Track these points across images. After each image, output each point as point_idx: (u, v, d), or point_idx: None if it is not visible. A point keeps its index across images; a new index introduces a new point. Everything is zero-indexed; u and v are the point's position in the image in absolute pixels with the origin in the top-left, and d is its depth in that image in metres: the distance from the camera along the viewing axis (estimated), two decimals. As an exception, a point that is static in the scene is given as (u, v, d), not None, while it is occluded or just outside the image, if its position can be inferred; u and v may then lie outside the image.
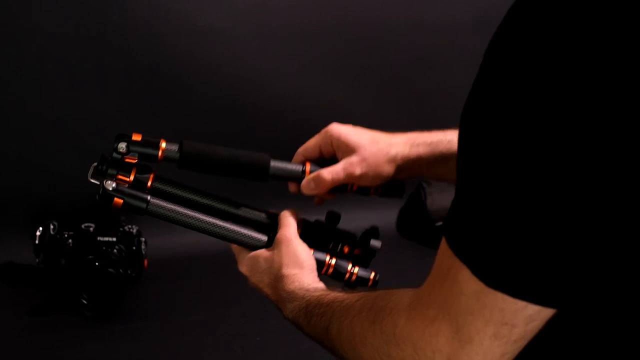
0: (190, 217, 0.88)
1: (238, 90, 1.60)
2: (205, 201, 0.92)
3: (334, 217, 0.92)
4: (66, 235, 1.34)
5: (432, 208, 1.60)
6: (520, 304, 0.50)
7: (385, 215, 1.61)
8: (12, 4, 1.42)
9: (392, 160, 0.87)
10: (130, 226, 1.38)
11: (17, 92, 1.48)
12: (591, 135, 0.44)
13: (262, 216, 0.92)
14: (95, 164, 0.89)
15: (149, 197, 0.85)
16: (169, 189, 0.91)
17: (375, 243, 0.91)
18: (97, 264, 1.24)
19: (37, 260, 1.36)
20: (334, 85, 1.66)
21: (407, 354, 0.57)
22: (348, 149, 0.87)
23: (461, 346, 0.53)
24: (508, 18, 0.48)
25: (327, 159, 0.91)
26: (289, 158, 0.95)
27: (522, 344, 0.52)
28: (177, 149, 0.88)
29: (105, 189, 0.84)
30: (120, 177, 0.88)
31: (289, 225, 0.88)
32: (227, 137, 1.63)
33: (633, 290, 0.50)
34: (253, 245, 0.88)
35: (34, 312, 1.29)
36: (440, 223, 1.59)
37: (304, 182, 0.90)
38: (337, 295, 0.74)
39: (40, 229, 1.35)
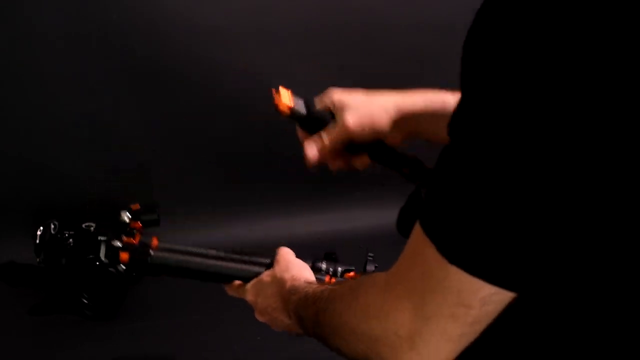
0: (193, 263, 0.94)
1: (238, 90, 1.60)
2: (204, 252, 0.97)
3: None
4: (67, 235, 1.34)
5: (432, 208, 1.60)
6: (477, 284, 0.51)
7: (385, 215, 1.61)
8: (11, 4, 1.42)
9: (385, 109, 0.88)
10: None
11: (17, 92, 1.48)
12: (549, 121, 0.45)
13: (261, 258, 0.96)
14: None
15: (151, 252, 0.90)
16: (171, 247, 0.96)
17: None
18: (97, 263, 1.25)
19: (38, 259, 1.36)
20: (334, 85, 1.66)
21: (378, 330, 0.58)
22: (344, 107, 0.87)
23: (422, 324, 0.54)
24: (487, 6, 0.49)
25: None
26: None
27: (479, 327, 0.53)
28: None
29: (113, 246, 0.91)
30: (126, 239, 0.93)
31: (286, 249, 0.92)
32: (227, 137, 1.64)
33: (590, 276, 0.50)
34: (255, 273, 0.92)
35: (34, 312, 1.29)
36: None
37: (305, 151, 0.90)
38: (330, 286, 0.76)
39: (41, 228, 1.35)
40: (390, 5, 1.66)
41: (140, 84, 1.54)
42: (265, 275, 0.91)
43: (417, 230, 0.55)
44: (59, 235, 1.35)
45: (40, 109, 1.50)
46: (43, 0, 1.43)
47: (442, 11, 1.70)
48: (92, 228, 1.33)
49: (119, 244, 0.90)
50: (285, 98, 0.88)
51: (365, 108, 0.87)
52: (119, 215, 0.92)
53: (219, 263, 0.94)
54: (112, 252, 0.90)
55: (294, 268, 0.89)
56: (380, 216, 1.42)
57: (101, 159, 1.55)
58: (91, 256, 1.25)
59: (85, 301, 1.24)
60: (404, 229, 1.62)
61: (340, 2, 1.62)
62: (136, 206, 0.94)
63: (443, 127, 0.52)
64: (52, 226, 1.36)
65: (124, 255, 0.89)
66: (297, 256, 0.95)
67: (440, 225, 0.52)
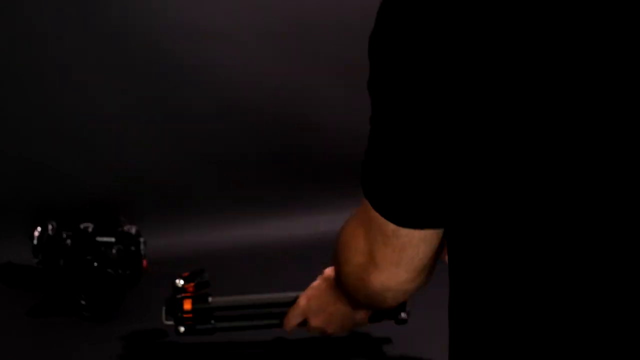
0: (247, 299, 1.12)
1: (238, 90, 1.60)
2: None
3: None
4: (65, 236, 1.33)
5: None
6: (382, 219, 0.64)
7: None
8: (11, 4, 1.41)
9: None
10: (129, 226, 1.37)
11: (17, 92, 1.47)
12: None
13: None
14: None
15: (210, 298, 1.08)
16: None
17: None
18: (95, 264, 1.24)
19: (36, 260, 1.36)
20: (334, 85, 1.66)
21: (353, 256, 0.73)
22: None
23: (370, 248, 0.69)
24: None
25: None
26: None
27: (409, 254, 0.66)
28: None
29: (179, 333, 1.08)
30: (184, 316, 1.08)
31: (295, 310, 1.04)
32: (227, 138, 1.63)
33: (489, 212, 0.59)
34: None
35: (32, 313, 1.29)
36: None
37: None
38: None
39: (39, 229, 1.35)
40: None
41: (140, 84, 1.54)
42: (312, 290, 1.01)
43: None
44: (57, 236, 1.34)
45: (40, 109, 1.50)
46: (43, 0, 1.43)
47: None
48: (90, 229, 1.33)
49: (182, 329, 1.08)
50: None
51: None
52: (174, 283, 1.10)
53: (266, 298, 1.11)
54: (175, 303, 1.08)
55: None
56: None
57: (100, 159, 1.54)
58: (89, 257, 1.25)
59: (84, 302, 1.24)
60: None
61: (340, 2, 1.61)
62: (186, 274, 1.11)
63: None
64: (50, 227, 1.35)
65: (187, 304, 1.07)
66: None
67: (364, 171, 0.66)
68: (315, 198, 1.63)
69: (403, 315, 1.11)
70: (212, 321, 1.08)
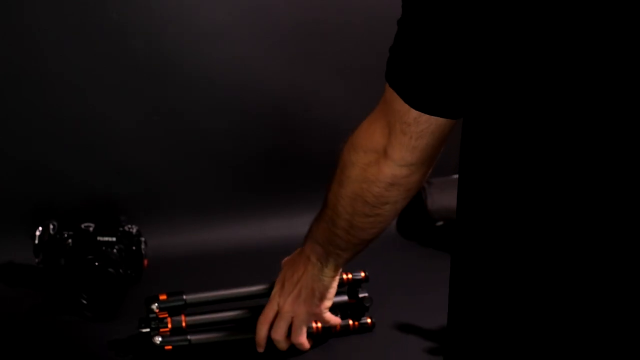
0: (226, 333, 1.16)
1: (238, 90, 1.60)
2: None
3: None
4: (66, 235, 1.34)
5: (432, 208, 1.59)
6: (406, 106, 0.71)
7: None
8: (11, 4, 1.41)
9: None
10: (130, 226, 1.37)
11: (17, 92, 1.47)
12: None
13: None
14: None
15: (189, 337, 1.12)
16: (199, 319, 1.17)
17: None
18: (96, 264, 1.24)
19: (37, 260, 1.36)
20: (335, 85, 1.66)
21: (367, 145, 0.80)
22: None
23: (387, 138, 0.76)
24: None
25: None
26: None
27: (424, 142, 0.73)
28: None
29: (154, 344, 1.11)
30: (161, 330, 1.13)
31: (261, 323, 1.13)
32: (227, 137, 1.63)
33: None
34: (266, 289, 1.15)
35: (33, 312, 1.29)
36: (440, 223, 1.59)
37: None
38: None
39: (40, 228, 1.35)
40: (390, 5, 1.65)
41: (140, 84, 1.54)
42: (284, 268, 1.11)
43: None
44: (57, 236, 1.34)
45: (40, 109, 1.49)
46: (43, 0, 1.43)
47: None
48: (91, 228, 1.33)
49: (159, 339, 1.11)
50: None
51: None
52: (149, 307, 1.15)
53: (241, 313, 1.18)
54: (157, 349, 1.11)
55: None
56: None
57: (101, 159, 1.54)
58: (90, 257, 1.25)
59: (85, 302, 1.24)
60: (404, 229, 1.64)
61: (340, 2, 1.61)
62: (164, 296, 1.15)
63: None
64: (51, 226, 1.35)
65: (168, 347, 1.11)
66: None
67: (389, 63, 0.73)
68: (315, 198, 1.63)
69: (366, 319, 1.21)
70: (189, 337, 1.12)
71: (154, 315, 1.13)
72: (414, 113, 0.70)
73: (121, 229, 1.35)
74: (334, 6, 1.61)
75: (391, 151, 0.76)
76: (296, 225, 1.60)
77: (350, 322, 1.19)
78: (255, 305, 1.16)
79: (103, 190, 1.54)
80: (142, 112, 1.55)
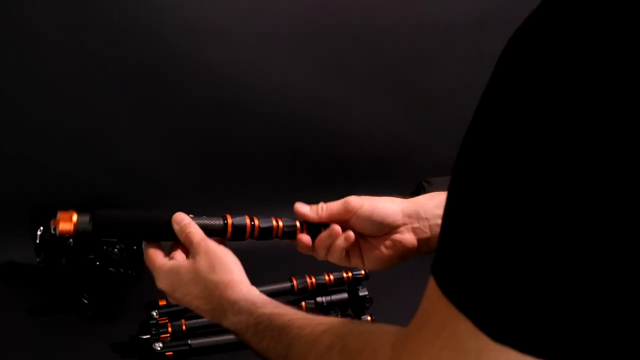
0: (226, 337, 1.15)
1: (239, 91, 1.60)
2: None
3: None
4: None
5: (432, 208, 1.59)
6: (483, 339, 0.41)
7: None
8: (11, 4, 1.42)
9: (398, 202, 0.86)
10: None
11: (17, 92, 1.47)
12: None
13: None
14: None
15: (189, 341, 1.13)
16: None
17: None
18: (97, 263, 1.24)
19: (38, 259, 1.36)
20: (335, 85, 1.66)
21: None
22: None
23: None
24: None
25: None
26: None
27: None
28: (88, 220, 0.86)
29: (156, 351, 1.11)
30: (162, 336, 1.13)
31: (192, 226, 0.82)
32: (227, 137, 1.64)
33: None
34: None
35: (34, 312, 1.29)
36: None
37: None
38: (292, 317, 0.69)
39: (41, 228, 1.35)
40: (390, 5, 1.66)
41: (140, 84, 1.54)
42: (185, 269, 0.79)
43: (439, 297, 0.44)
44: (58, 235, 1.34)
45: (40, 109, 1.50)
46: (43, 0, 1.43)
47: (442, 11, 1.70)
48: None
49: (160, 345, 1.12)
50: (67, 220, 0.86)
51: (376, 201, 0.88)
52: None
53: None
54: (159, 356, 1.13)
55: (220, 268, 0.79)
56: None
57: (101, 159, 1.55)
58: (91, 256, 1.25)
59: (86, 301, 1.24)
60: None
61: (340, 2, 1.62)
62: (163, 302, 1.17)
63: None
64: (52, 226, 1.35)
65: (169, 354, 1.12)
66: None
67: (473, 294, 0.41)
68: (315, 198, 1.63)
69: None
70: (189, 341, 1.13)
71: (154, 321, 1.14)
72: (483, 340, 0.41)
73: (122, 228, 1.35)
74: (334, 7, 1.62)
75: None
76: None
77: None
78: None
79: (103, 190, 1.54)
80: (143, 112, 1.56)
